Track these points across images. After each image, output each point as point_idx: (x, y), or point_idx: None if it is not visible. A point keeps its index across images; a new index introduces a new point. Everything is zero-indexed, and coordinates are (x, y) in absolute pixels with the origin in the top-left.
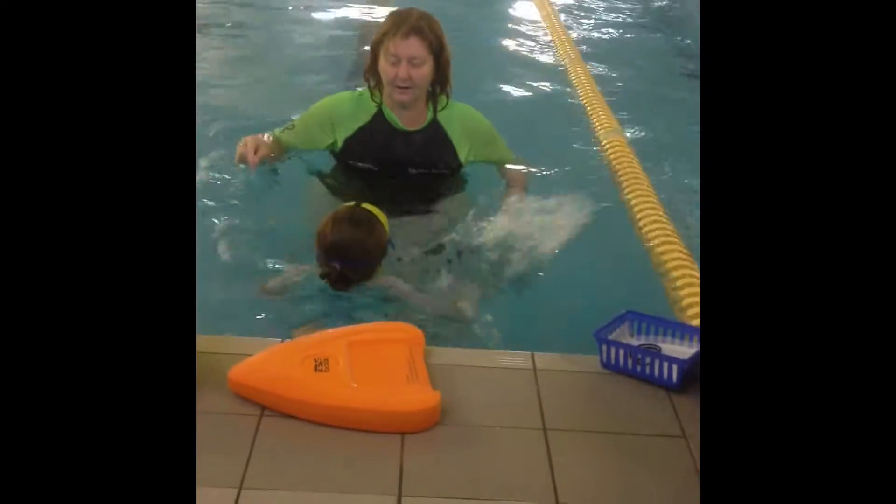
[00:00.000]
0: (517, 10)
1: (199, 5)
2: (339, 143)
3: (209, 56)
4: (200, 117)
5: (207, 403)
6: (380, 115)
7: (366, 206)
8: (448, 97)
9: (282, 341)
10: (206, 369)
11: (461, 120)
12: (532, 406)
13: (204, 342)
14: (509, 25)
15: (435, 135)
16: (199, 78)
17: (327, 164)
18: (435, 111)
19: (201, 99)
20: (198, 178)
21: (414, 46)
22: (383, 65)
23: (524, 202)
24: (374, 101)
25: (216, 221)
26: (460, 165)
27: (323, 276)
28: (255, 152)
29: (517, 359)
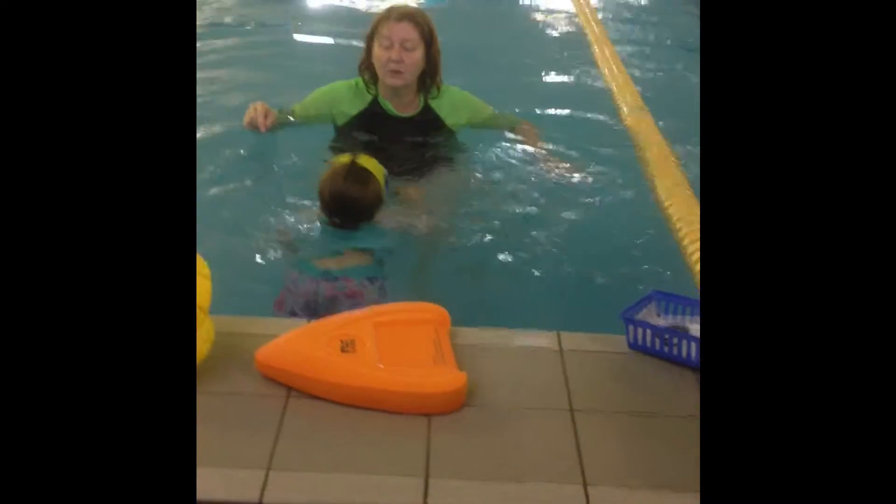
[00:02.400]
0: None
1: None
2: (338, 125)
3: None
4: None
5: (234, 384)
6: (375, 102)
7: (361, 160)
8: (438, 88)
9: (308, 321)
10: (233, 350)
11: (450, 100)
12: (559, 387)
13: (230, 323)
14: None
15: (427, 117)
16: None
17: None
18: (426, 99)
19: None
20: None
21: (406, 30)
22: (377, 50)
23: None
24: (369, 93)
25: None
26: (452, 133)
27: (328, 223)
28: (265, 117)
29: (543, 339)
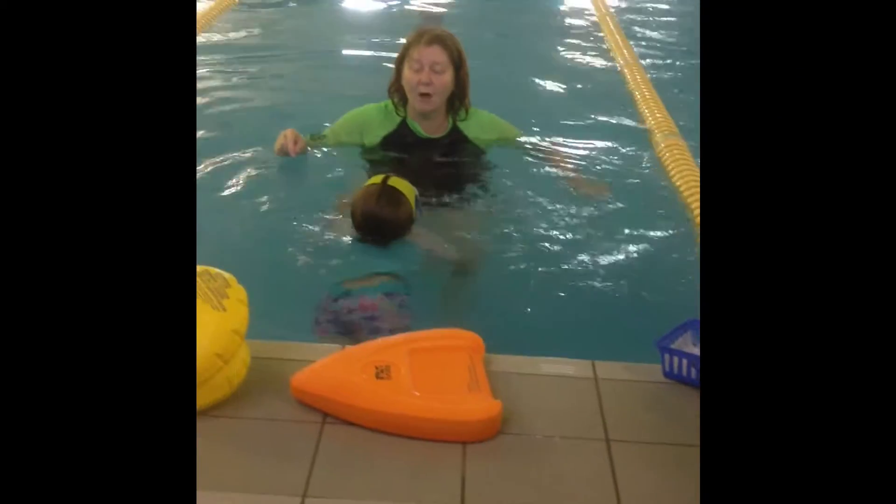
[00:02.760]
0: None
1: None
2: (367, 146)
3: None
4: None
5: (270, 410)
6: (404, 124)
7: (392, 181)
8: (466, 111)
9: (342, 348)
10: (269, 375)
11: (478, 123)
12: (594, 416)
13: (266, 348)
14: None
15: (456, 139)
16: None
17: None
18: (454, 121)
19: (251, 100)
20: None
21: (436, 53)
22: (407, 73)
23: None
24: (398, 115)
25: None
26: (480, 154)
27: (359, 240)
28: (295, 143)
29: (578, 367)
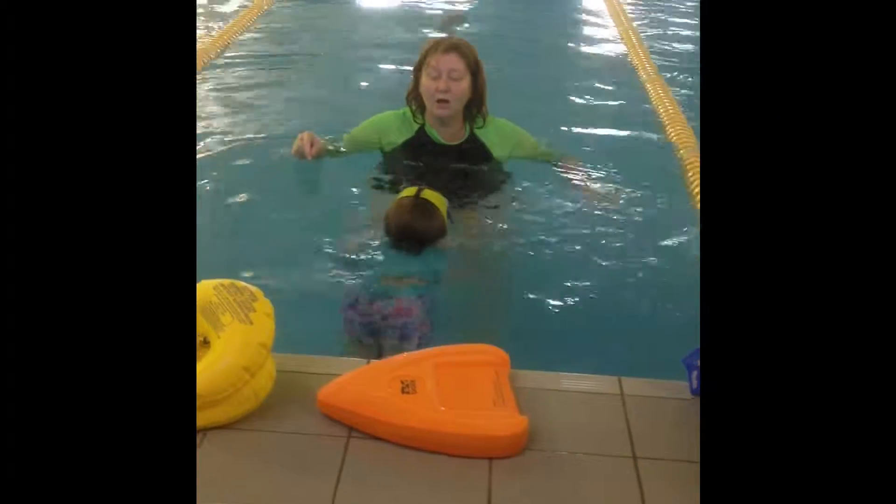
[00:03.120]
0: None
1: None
2: (385, 152)
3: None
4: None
5: (296, 424)
6: (422, 131)
7: (425, 193)
8: (484, 119)
9: (368, 362)
10: (294, 389)
11: (496, 130)
12: (621, 433)
13: (292, 361)
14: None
15: (473, 146)
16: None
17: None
18: (472, 128)
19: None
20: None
21: (453, 61)
22: (425, 81)
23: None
24: (416, 122)
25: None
26: (498, 162)
27: (392, 247)
28: (311, 145)
29: (604, 383)
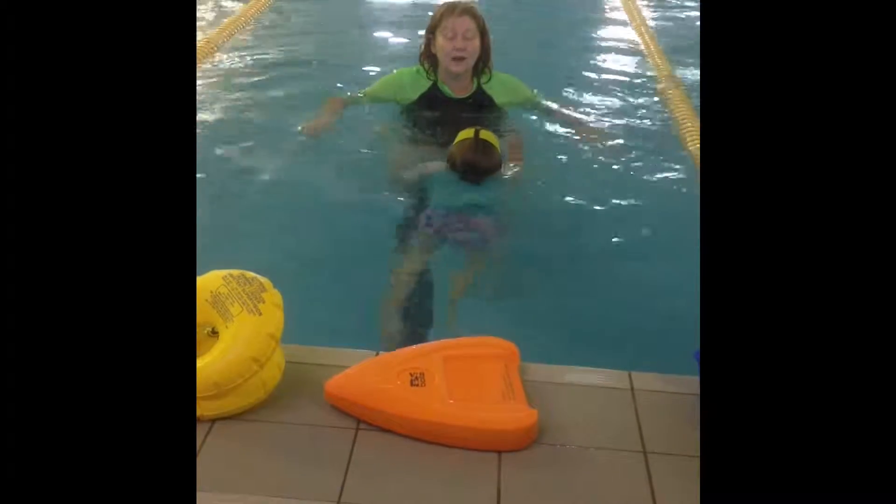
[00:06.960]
0: None
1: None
2: (402, 106)
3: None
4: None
5: (304, 415)
6: (434, 86)
7: (483, 134)
8: (490, 73)
9: (376, 354)
10: (303, 380)
11: (500, 83)
12: (631, 427)
13: (301, 352)
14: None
15: (481, 98)
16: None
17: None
18: (479, 83)
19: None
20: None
21: (467, 22)
22: (440, 41)
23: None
24: (429, 78)
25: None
26: (503, 112)
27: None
28: (315, 129)
29: (614, 378)
